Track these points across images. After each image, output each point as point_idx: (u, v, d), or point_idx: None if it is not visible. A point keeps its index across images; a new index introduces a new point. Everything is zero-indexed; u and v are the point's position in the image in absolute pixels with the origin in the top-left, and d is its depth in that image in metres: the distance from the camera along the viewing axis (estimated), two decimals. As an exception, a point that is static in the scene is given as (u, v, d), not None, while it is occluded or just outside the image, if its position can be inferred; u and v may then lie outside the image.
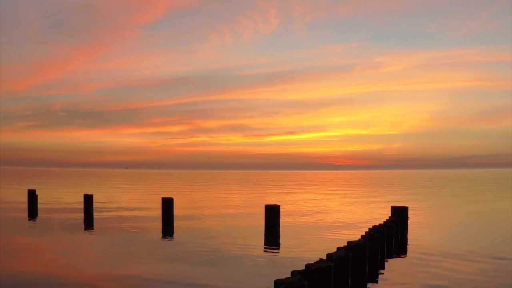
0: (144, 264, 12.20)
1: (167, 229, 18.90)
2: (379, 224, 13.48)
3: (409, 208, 17.17)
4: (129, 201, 36.02)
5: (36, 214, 24.55)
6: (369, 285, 9.98)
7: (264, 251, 14.47)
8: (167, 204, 20.04)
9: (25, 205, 26.35)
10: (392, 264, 12.16)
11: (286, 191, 52.63)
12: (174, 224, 19.72)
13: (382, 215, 22.02)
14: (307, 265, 7.22)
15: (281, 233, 17.38)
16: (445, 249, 14.40)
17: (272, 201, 32.90)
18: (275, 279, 6.18)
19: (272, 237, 16.77)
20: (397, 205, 17.29)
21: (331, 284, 7.34)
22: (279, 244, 15.71)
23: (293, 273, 6.73)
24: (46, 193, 41.43)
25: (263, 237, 16.94)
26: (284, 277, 6.32)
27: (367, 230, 12.37)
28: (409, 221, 17.04)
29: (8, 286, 9.97)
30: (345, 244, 10.03)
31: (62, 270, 11.54)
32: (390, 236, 13.75)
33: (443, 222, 22.30)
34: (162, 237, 17.42)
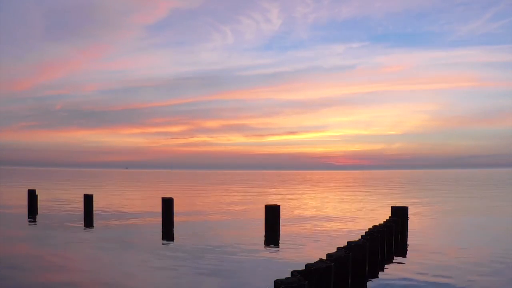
0: (144, 264, 12.18)
1: (167, 229, 18.88)
2: (379, 224, 13.48)
3: (409, 208, 17.17)
4: (129, 201, 36.01)
5: (36, 214, 24.54)
6: (369, 285, 9.97)
7: (264, 251, 14.46)
8: (167, 204, 20.01)
9: (25, 205, 26.36)
10: (392, 264, 12.15)
11: (286, 191, 52.62)
12: (174, 224, 19.70)
13: (382, 215, 22.03)
14: (307, 265, 7.22)
15: (281, 233, 17.38)
16: (445, 249, 14.41)
17: (272, 201, 32.92)
18: (275, 279, 6.17)
19: (272, 237, 16.76)
20: (397, 205, 17.29)
21: (331, 284, 7.33)
22: (279, 244, 15.70)
23: (293, 273, 6.72)
24: (46, 193, 41.43)
25: (263, 237, 16.94)
26: (284, 277, 6.32)
27: (367, 230, 12.37)
28: (409, 221, 17.04)
29: (8, 286, 9.96)
30: (345, 244, 10.03)
31: (62, 270, 11.53)
32: (390, 236, 13.74)
33: (443, 222, 22.28)
34: (162, 237, 17.40)
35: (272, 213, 18.00)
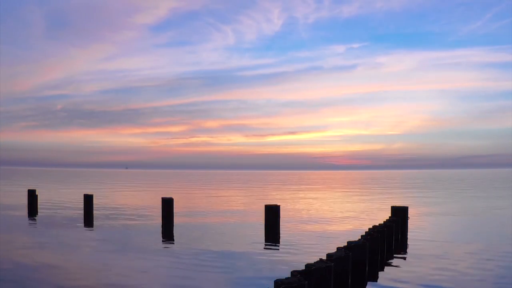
0: (144, 264, 12.18)
1: (167, 229, 18.88)
2: (379, 224, 13.47)
3: (409, 208, 17.17)
4: (129, 201, 36.02)
5: (36, 214, 24.55)
6: (369, 285, 9.97)
7: (264, 251, 14.45)
8: (167, 204, 20.03)
9: (25, 205, 26.36)
10: (392, 264, 12.15)
11: (286, 191, 52.61)
12: (174, 224, 19.71)
13: (382, 215, 22.03)
14: (307, 265, 7.22)
15: (281, 233, 17.37)
16: (445, 249, 14.40)
17: (272, 201, 32.91)
18: (275, 279, 6.17)
19: (272, 237, 16.76)
20: (397, 205, 17.29)
21: (331, 284, 7.33)
22: (279, 244, 15.70)
23: (293, 273, 6.72)
24: (46, 193, 41.43)
25: (263, 237, 16.93)
26: (284, 277, 6.32)
27: (367, 230, 12.37)
28: (409, 221, 17.04)
29: (8, 286, 9.96)
30: (345, 244, 10.03)
31: (61, 271, 11.52)
32: (390, 236, 13.74)
33: (443, 222, 22.27)
34: (162, 237, 17.41)
35: (272, 213, 18.00)
